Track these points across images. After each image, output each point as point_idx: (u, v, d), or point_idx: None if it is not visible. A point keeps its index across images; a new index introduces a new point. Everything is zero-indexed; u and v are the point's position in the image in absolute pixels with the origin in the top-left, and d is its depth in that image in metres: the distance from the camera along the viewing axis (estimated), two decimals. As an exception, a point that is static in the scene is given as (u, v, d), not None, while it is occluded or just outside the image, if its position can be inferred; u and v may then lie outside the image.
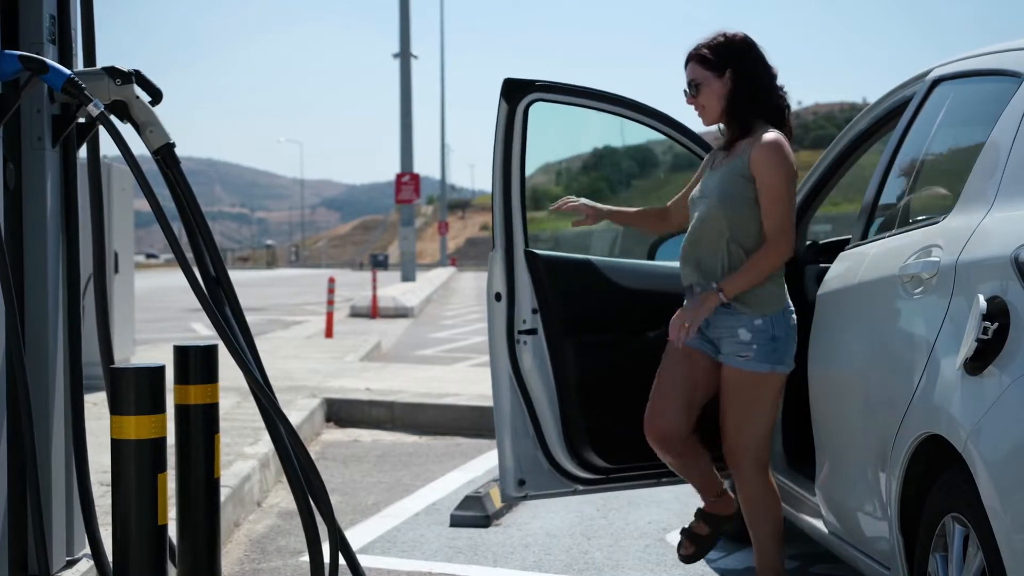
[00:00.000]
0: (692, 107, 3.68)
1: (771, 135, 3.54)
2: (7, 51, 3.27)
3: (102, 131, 3.63)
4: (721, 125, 3.69)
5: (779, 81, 3.68)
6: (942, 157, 3.36)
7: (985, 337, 2.42)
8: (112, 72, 3.39)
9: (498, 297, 3.92)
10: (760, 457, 3.61)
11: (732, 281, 3.51)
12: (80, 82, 3.26)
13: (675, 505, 5.52)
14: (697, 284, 3.61)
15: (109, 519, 3.14)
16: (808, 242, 4.40)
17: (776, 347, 3.52)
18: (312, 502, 3.33)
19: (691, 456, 3.69)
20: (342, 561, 3.39)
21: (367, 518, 5.31)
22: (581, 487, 3.99)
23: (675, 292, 3.77)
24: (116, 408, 2.97)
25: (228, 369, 4.24)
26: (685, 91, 3.66)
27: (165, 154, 3.36)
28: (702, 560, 4.56)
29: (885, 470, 2.96)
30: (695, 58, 3.64)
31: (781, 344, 3.54)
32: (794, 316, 3.59)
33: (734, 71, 3.58)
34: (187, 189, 3.40)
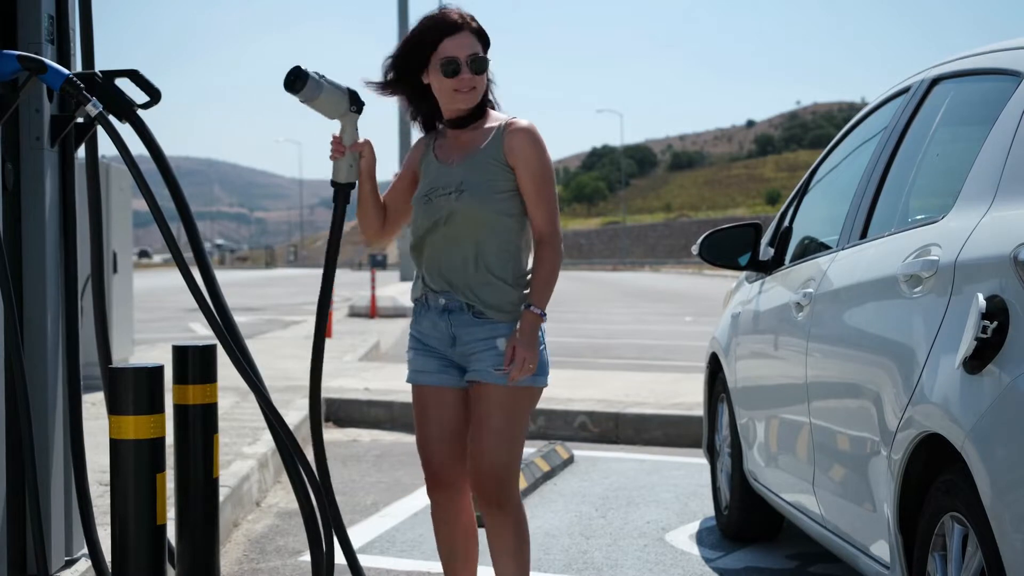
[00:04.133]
0: (456, 89, 3.14)
1: (524, 120, 3.22)
2: (5, 51, 3.27)
3: (100, 131, 3.63)
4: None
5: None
6: (941, 156, 3.36)
7: (984, 336, 2.42)
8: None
9: None
10: (516, 480, 3.27)
11: (541, 294, 3.15)
12: (78, 82, 3.26)
13: (675, 505, 5.52)
14: (474, 304, 3.16)
15: (108, 519, 3.14)
16: (806, 240, 4.40)
17: (538, 357, 3.17)
18: (316, 504, 3.32)
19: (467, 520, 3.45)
20: (340, 560, 3.39)
21: (366, 518, 5.31)
22: None
23: None
24: (114, 408, 2.97)
25: (227, 369, 4.24)
26: (461, 63, 3.13)
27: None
28: (701, 559, 4.57)
29: (884, 469, 2.96)
30: (475, 31, 3.17)
31: (542, 354, 3.19)
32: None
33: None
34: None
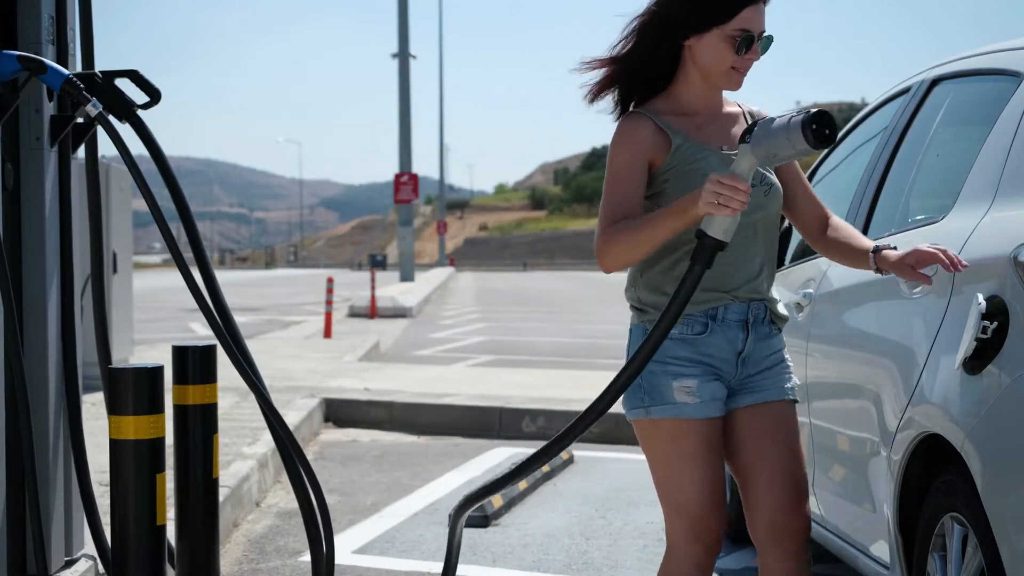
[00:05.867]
0: (735, 67, 2.60)
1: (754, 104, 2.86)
2: (5, 51, 3.27)
3: (100, 131, 3.63)
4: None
5: None
6: (941, 156, 3.36)
7: (984, 336, 2.42)
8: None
9: None
10: None
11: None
12: (78, 82, 3.26)
13: (674, 505, 5.51)
14: (774, 312, 2.73)
15: (108, 519, 3.14)
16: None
17: None
18: (316, 504, 3.33)
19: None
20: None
21: (366, 518, 5.31)
22: None
23: None
24: (114, 408, 2.97)
25: (227, 369, 4.24)
26: (753, 40, 2.58)
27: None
28: (701, 560, 4.57)
29: (884, 469, 2.96)
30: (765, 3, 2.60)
31: None
32: None
33: None
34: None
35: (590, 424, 2.61)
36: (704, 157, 2.62)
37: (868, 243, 2.71)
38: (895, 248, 2.61)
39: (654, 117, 2.63)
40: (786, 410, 2.73)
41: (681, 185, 2.59)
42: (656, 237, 2.51)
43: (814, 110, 2.39)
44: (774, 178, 2.70)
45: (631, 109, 2.69)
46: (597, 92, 2.71)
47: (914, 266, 2.55)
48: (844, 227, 2.79)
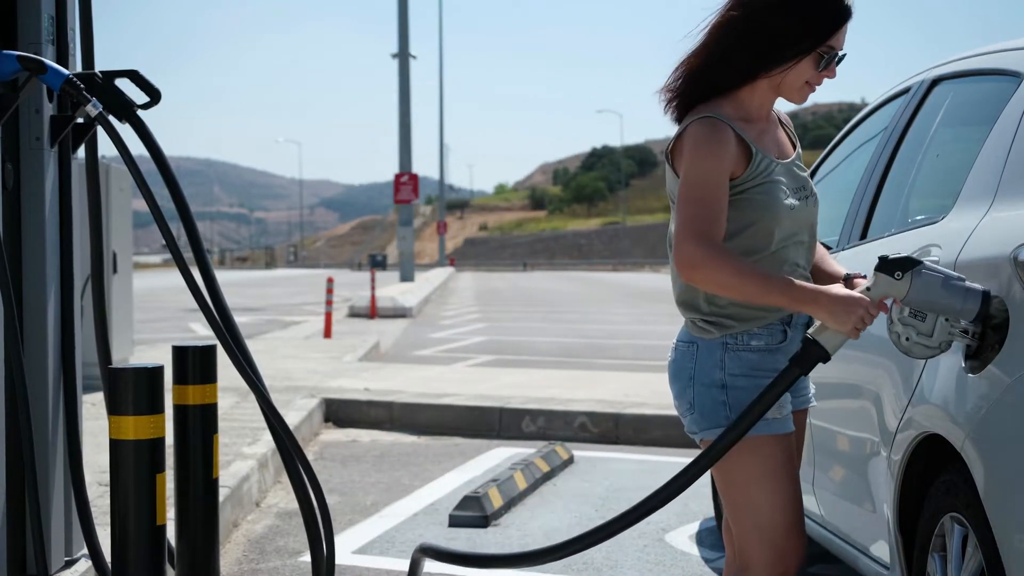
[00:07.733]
0: (809, 82, 2.55)
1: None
2: (5, 51, 3.27)
3: (100, 131, 3.64)
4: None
5: None
6: (941, 156, 3.36)
7: (984, 336, 2.42)
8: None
9: None
10: None
11: None
12: (78, 82, 3.27)
13: (675, 505, 5.51)
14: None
15: (108, 519, 3.14)
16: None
17: None
18: (316, 504, 3.33)
19: None
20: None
21: (366, 518, 5.31)
22: None
23: None
24: (114, 408, 2.97)
25: (227, 369, 4.24)
26: (835, 58, 2.52)
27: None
28: (701, 560, 4.57)
29: (884, 469, 2.96)
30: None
31: None
32: None
33: None
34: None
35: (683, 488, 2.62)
36: (774, 169, 2.54)
37: (840, 269, 2.67)
38: (865, 277, 2.54)
39: (731, 124, 2.50)
40: (806, 417, 2.80)
41: (763, 201, 2.51)
42: (758, 299, 2.44)
43: (989, 289, 2.40)
44: (813, 185, 2.67)
45: (707, 114, 2.50)
46: (678, 100, 2.57)
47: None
48: (817, 246, 2.75)
